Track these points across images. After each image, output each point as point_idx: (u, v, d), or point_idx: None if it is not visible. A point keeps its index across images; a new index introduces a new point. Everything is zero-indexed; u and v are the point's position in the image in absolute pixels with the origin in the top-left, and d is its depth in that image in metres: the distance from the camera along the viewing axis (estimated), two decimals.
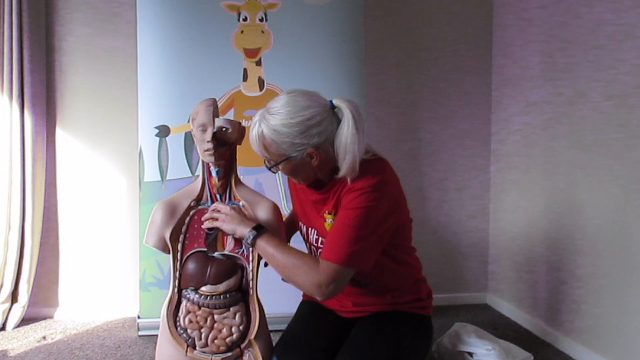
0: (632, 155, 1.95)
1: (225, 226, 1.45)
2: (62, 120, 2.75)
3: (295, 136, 1.38)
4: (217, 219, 1.46)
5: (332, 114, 1.41)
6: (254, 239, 1.43)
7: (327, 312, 1.63)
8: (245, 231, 1.43)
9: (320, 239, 1.53)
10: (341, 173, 1.40)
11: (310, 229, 1.57)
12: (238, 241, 1.49)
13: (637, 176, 1.93)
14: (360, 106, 1.43)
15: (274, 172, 1.50)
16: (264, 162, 1.48)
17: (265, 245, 1.42)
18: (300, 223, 1.63)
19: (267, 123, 1.39)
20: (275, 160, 1.43)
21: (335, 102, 1.42)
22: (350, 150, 1.36)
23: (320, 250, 1.53)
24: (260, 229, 1.44)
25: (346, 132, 1.37)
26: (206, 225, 1.48)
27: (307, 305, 1.70)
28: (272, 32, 2.49)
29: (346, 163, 1.38)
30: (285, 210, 2.43)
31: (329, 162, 1.43)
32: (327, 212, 1.49)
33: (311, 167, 1.44)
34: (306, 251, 1.63)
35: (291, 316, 1.70)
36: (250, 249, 1.47)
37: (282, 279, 1.45)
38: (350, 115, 1.37)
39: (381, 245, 1.44)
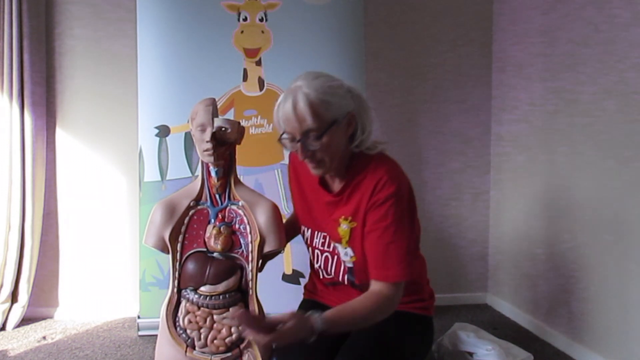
0: (633, 157, 1.95)
1: (292, 339, 1.26)
2: (62, 120, 2.75)
3: (341, 97, 1.37)
4: (278, 339, 1.25)
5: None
6: (322, 326, 1.28)
7: None
8: (309, 332, 1.28)
9: (327, 242, 1.51)
10: (358, 143, 1.43)
11: (316, 232, 1.55)
12: (237, 241, 1.49)
13: (638, 177, 1.93)
14: None
15: (308, 153, 1.37)
16: (297, 139, 1.36)
17: (332, 326, 1.30)
18: (303, 227, 1.60)
19: (310, 87, 1.33)
20: (324, 127, 1.34)
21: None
22: (371, 118, 1.44)
23: (326, 254, 1.53)
24: (317, 321, 1.29)
25: (363, 104, 1.44)
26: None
27: (308, 304, 1.70)
28: (272, 32, 2.49)
29: (368, 129, 1.44)
30: (285, 210, 2.43)
31: (348, 145, 1.44)
32: (342, 217, 1.45)
33: (344, 140, 1.41)
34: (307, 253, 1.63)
35: None
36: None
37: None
38: (359, 91, 1.46)
39: (418, 240, 1.53)
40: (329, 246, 1.52)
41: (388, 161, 1.47)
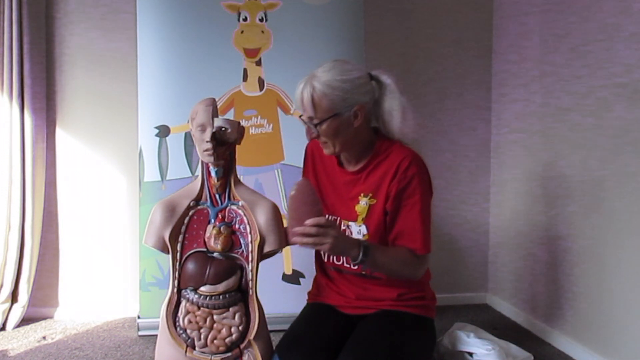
0: (633, 156, 1.95)
1: (333, 251, 1.45)
2: (62, 120, 2.75)
3: (347, 92, 1.48)
4: (319, 243, 1.39)
5: (372, 82, 1.56)
6: (365, 256, 1.43)
7: (331, 312, 1.63)
8: (355, 253, 1.44)
9: (338, 225, 1.57)
10: (397, 132, 1.55)
11: (327, 216, 1.60)
12: (237, 241, 1.49)
13: (638, 176, 1.93)
14: None
15: (314, 134, 1.52)
16: (305, 122, 1.52)
17: (375, 260, 1.46)
18: None
19: (319, 80, 1.47)
20: (323, 117, 1.49)
21: (372, 73, 1.57)
22: (406, 107, 1.55)
23: None
24: (365, 246, 1.44)
25: (396, 94, 1.56)
26: (304, 243, 1.41)
27: (312, 307, 1.71)
28: (272, 32, 2.49)
29: (407, 120, 1.54)
30: (285, 210, 2.43)
31: (366, 132, 1.55)
32: (362, 194, 1.55)
33: (352, 129, 1.51)
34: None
35: (291, 316, 1.70)
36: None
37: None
38: (391, 81, 1.57)
39: None
40: (343, 225, 1.59)
41: (408, 147, 1.59)
